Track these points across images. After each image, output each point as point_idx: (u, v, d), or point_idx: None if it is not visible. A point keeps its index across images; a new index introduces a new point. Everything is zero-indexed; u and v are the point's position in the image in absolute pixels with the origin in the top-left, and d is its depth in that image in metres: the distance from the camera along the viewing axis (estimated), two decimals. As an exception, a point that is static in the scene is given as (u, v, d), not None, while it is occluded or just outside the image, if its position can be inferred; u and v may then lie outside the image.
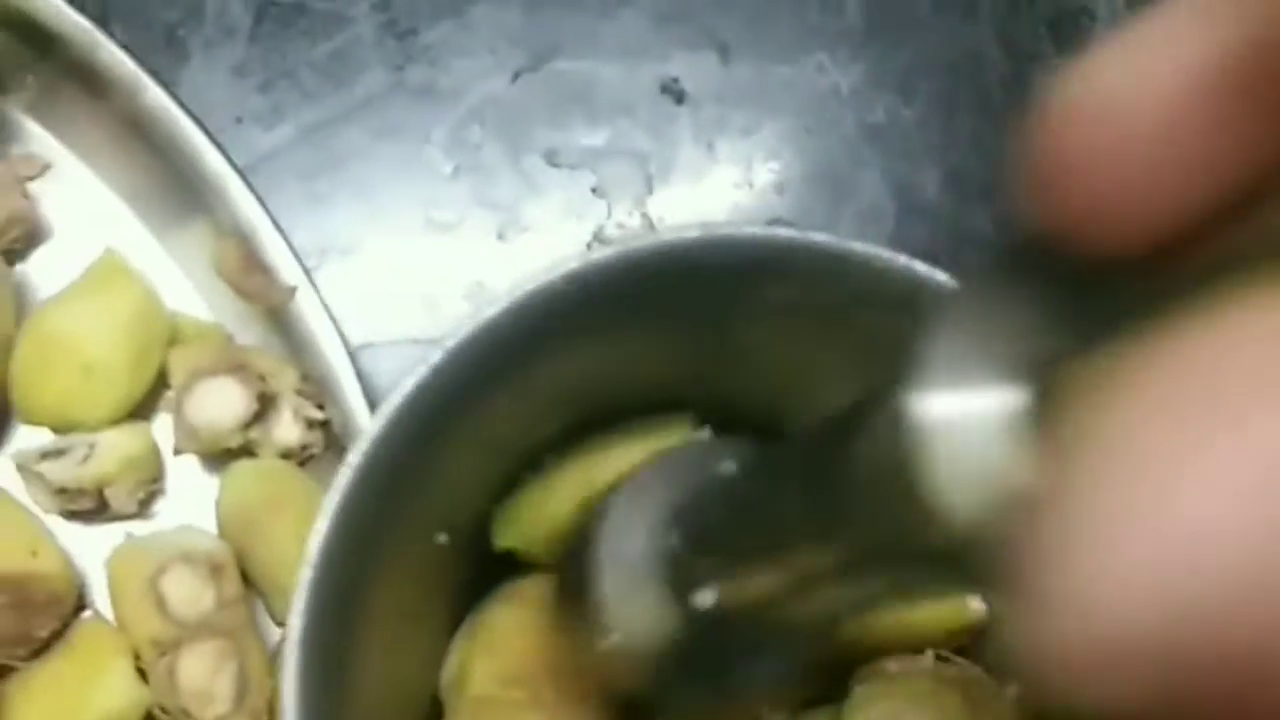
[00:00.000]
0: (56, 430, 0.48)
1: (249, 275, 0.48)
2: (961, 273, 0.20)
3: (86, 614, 0.48)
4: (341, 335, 0.47)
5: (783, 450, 0.29)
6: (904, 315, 0.34)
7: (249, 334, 0.49)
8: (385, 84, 0.52)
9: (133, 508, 0.48)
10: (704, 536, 0.31)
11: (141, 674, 0.45)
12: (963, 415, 0.18)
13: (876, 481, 0.20)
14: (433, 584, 0.40)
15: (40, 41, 0.49)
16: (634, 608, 0.31)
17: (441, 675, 0.40)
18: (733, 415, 0.39)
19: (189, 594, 0.45)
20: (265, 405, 0.47)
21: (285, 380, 0.48)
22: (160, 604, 0.45)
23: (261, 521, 0.46)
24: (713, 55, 0.52)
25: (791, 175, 0.51)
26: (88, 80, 0.49)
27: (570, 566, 0.34)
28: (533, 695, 0.37)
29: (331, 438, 0.48)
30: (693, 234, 0.34)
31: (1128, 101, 0.14)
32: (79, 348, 0.47)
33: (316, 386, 0.48)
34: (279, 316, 0.48)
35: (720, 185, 0.51)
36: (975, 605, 0.39)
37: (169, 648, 0.45)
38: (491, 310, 0.34)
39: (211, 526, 0.48)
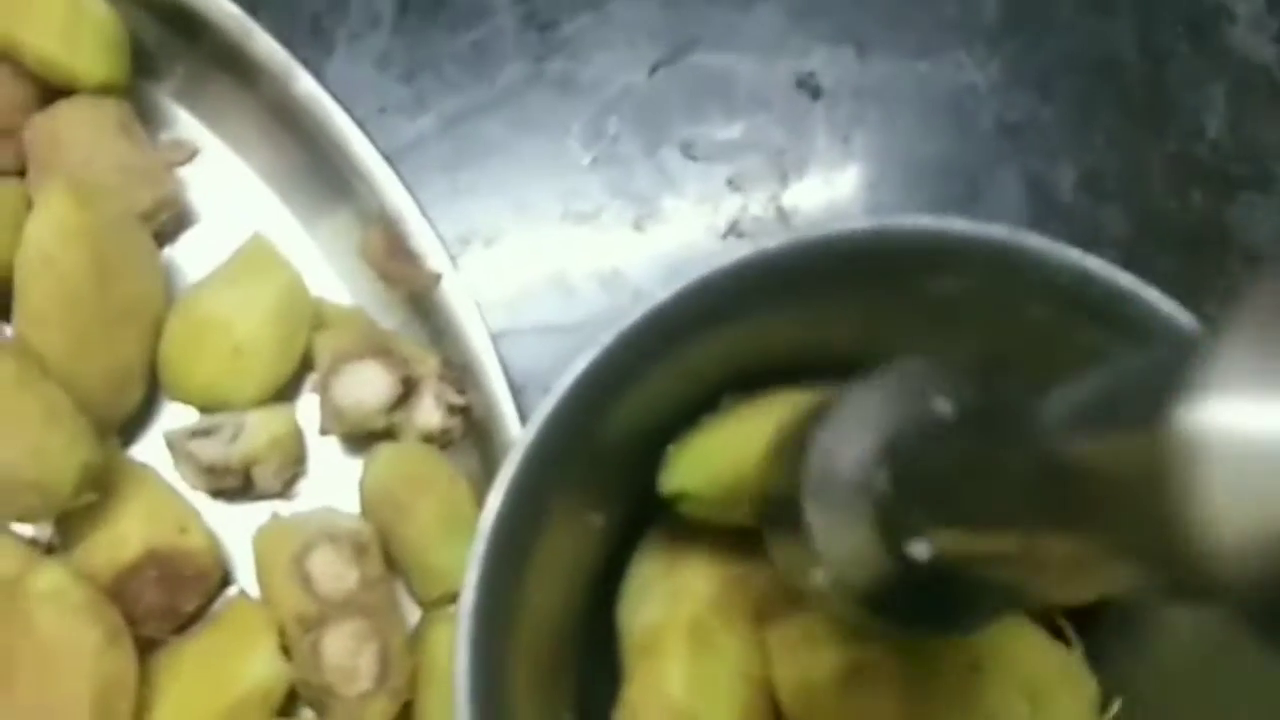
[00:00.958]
0: (204, 409, 0.49)
1: (395, 261, 0.48)
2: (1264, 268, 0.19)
3: (231, 590, 0.49)
4: (485, 323, 0.48)
5: (1009, 408, 0.26)
6: (1078, 312, 0.34)
7: (390, 319, 0.50)
8: (525, 75, 0.53)
9: (277, 487, 0.49)
10: (914, 484, 0.28)
11: (286, 651, 0.46)
12: (1255, 432, 0.15)
13: (1128, 487, 0.17)
14: (585, 554, 0.40)
15: (191, 29, 0.51)
16: (842, 545, 0.29)
17: (625, 620, 0.41)
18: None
19: (334, 573, 0.46)
20: (408, 389, 0.48)
21: (427, 365, 0.48)
22: (306, 582, 0.46)
23: (404, 503, 0.47)
24: (850, 50, 0.52)
25: (927, 171, 0.52)
26: (237, 68, 0.51)
27: (777, 494, 0.32)
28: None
29: (471, 423, 0.49)
30: (865, 225, 0.35)
31: None
32: (230, 329, 0.48)
33: (458, 372, 0.48)
34: (421, 303, 0.49)
35: (855, 179, 0.52)
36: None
37: (313, 625, 0.46)
38: (662, 295, 0.35)
39: (351, 508, 0.49)
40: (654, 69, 0.53)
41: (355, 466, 0.49)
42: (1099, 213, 0.51)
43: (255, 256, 0.49)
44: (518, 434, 0.36)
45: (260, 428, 0.48)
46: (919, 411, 0.29)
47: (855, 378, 0.30)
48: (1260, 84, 0.52)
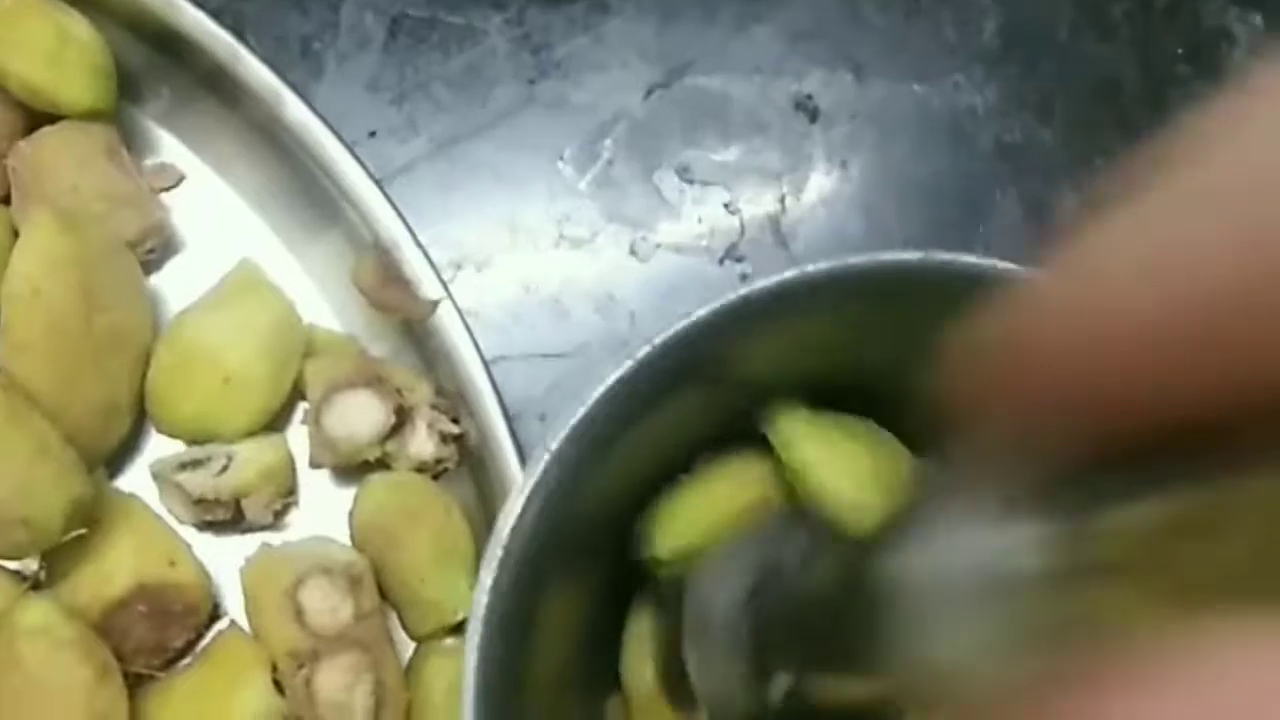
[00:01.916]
0: (193, 441, 0.48)
1: (388, 288, 0.48)
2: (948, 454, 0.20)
3: (220, 624, 0.48)
4: (479, 349, 0.47)
5: (832, 551, 0.28)
6: None
7: (380, 347, 0.49)
8: (518, 98, 0.52)
9: (268, 519, 0.48)
10: (766, 625, 0.30)
11: (278, 685, 0.45)
12: (945, 580, 0.17)
13: (877, 618, 0.20)
14: (591, 585, 0.40)
15: (177, 51, 0.50)
16: (716, 682, 0.31)
17: (625, 677, 0.41)
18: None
19: (327, 606, 0.45)
20: (401, 419, 0.47)
21: (420, 394, 0.48)
22: (298, 615, 0.45)
23: (397, 535, 0.47)
24: (847, 73, 0.52)
25: (926, 194, 0.51)
26: (224, 90, 0.50)
27: (666, 631, 0.34)
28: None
29: (465, 451, 0.48)
30: (903, 257, 0.34)
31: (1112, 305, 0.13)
32: (219, 358, 0.47)
33: (451, 400, 0.48)
34: (413, 330, 0.49)
35: (853, 202, 0.51)
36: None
37: (306, 659, 0.45)
38: (686, 319, 0.34)
39: (341, 538, 0.48)
40: (649, 91, 0.52)
41: (346, 497, 0.48)
42: (1099, 236, 0.50)
43: (245, 283, 0.48)
44: (506, 505, 0.35)
45: (250, 459, 0.47)
46: (777, 558, 0.30)
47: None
48: (1259, 105, 0.52)
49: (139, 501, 0.47)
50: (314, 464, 0.48)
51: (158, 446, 0.49)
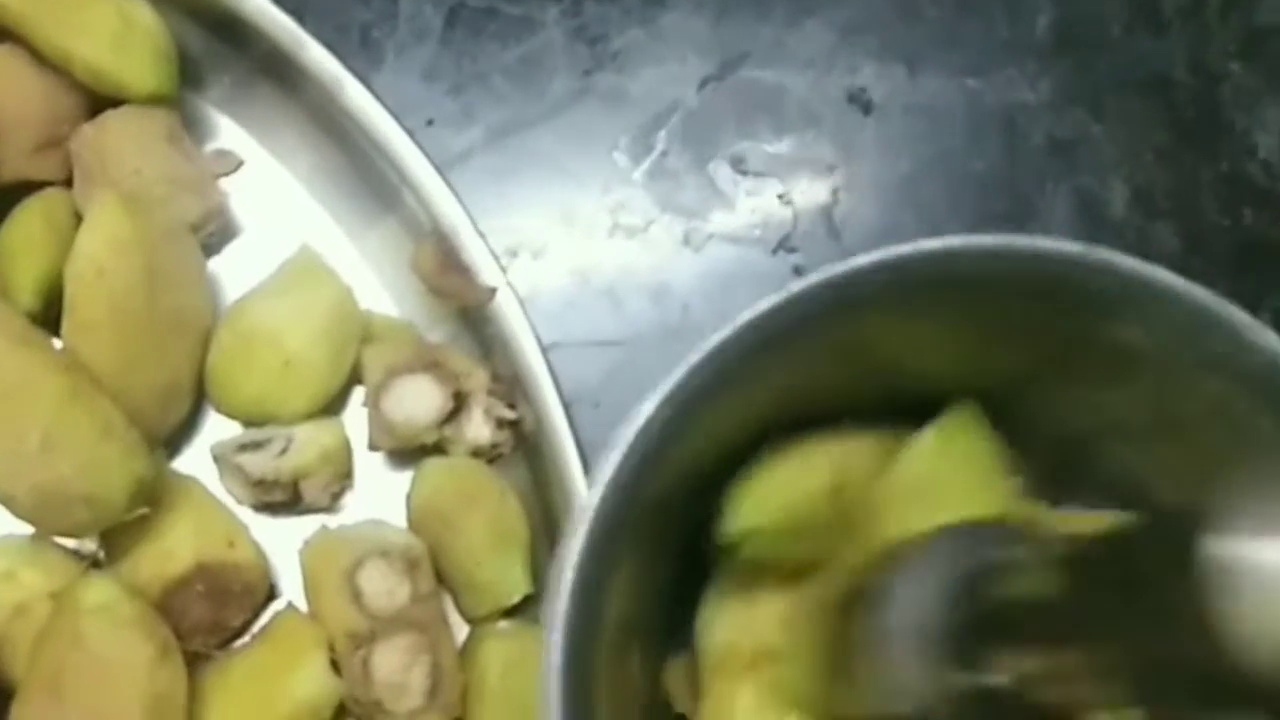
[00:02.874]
0: (250, 423, 0.49)
1: (447, 275, 0.48)
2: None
3: (277, 605, 0.48)
4: (536, 335, 0.48)
5: (1085, 550, 0.29)
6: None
7: (437, 333, 0.50)
8: (574, 89, 0.52)
9: (325, 501, 0.49)
10: (992, 620, 0.32)
11: (335, 666, 0.45)
12: (1263, 562, 0.19)
13: (1178, 610, 0.21)
14: (663, 552, 0.40)
15: (240, 38, 0.50)
16: (921, 682, 0.32)
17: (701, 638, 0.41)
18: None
19: (385, 588, 0.46)
20: (459, 403, 0.48)
21: (477, 379, 0.48)
22: (356, 597, 0.45)
23: (453, 519, 0.47)
24: (900, 67, 0.52)
25: (978, 188, 0.51)
26: (284, 77, 0.50)
27: (852, 627, 0.35)
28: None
29: (520, 437, 0.48)
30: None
31: None
32: (280, 341, 0.47)
33: (507, 386, 0.48)
34: (470, 316, 0.49)
35: (906, 195, 0.52)
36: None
37: (364, 641, 0.45)
38: (745, 315, 0.34)
39: (397, 522, 0.48)
40: (703, 83, 0.52)
41: (400, 480, 0.49)
42: (1150, 230, 0.51)
43: (304, 268, 0.49)
44: (584, 491, 0.35)
45: (310, 441, 0.48)
46: (988, 558, 0.32)
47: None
48: (1311, 104, 0.52)
49: (198, 483, 0.48)
50: (372, 447, 0.48)
51: (214, 430, 0.50)
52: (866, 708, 0.35)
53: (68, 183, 0.49)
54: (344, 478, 0.49)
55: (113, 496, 0.43)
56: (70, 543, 0.47)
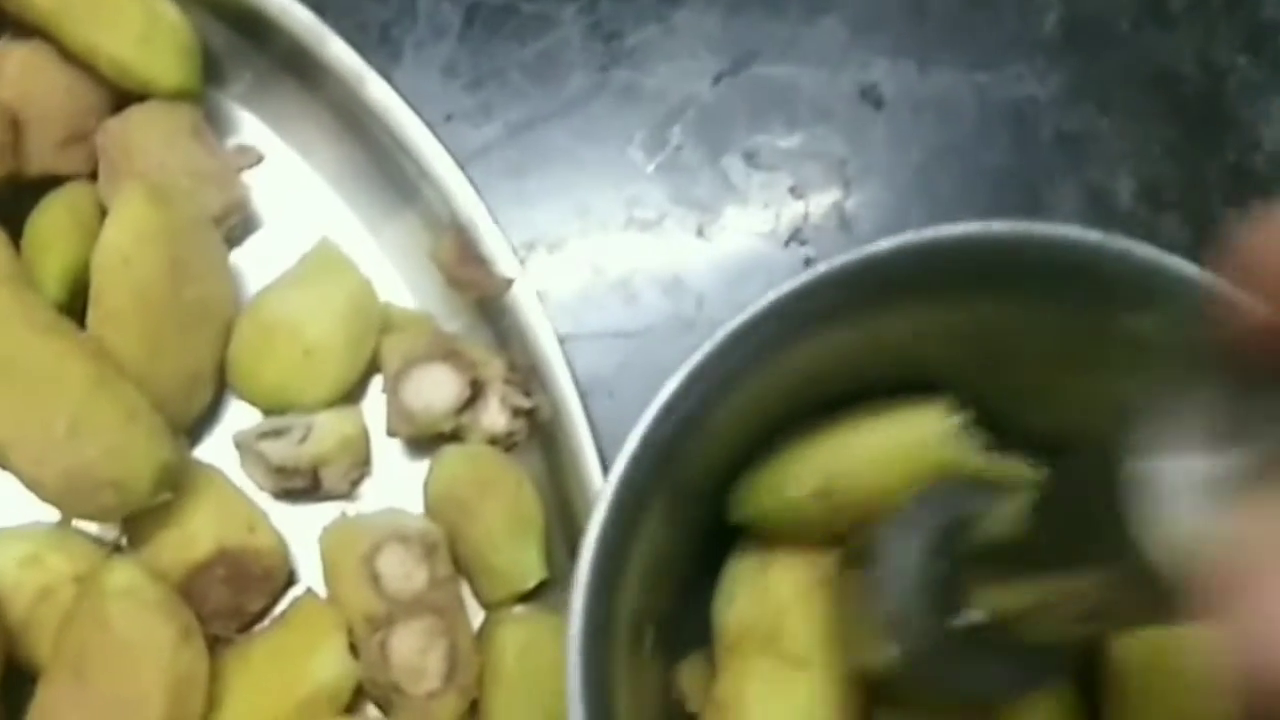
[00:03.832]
0: (270, 411, 0.49)
1: (466, 266, 0.49)
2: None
3: (297, 590, 0.49)
4: (552, 326, 0.48)
5: (1036, 495, 0.31)
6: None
7: (453, 324, 0.51)
8: (590, 85, 0.53)
9: (344, 488, 0.49)
10: (969, 563, 0.34)
11: (353, 649, 0.46)
12: (1177, 481, 0.22)
13: (1107, 528, 0.23)
14: (679, 545, 0.41)
15: (262, 34, 0.51)
16: (911, 623, 0.35)
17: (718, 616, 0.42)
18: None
19: (403, 572, 0.46)
20: (475, 392, 0.49)
21: (493, 368, 0.49)
22: (375, 581, 0.46)
23: (470, 505, 0.48)
24: (911, 63, 0.53)
25: (987, 181, 0.52)
26: (306, 72, 0.51)
27: (850, 583, 0.38)
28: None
29: (536, 426, 0.49)
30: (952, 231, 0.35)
31: None
32: (300, 331, 0.48)
33: (523, 375, 0.49)
34: (487, 307, 0.50)
35: (916, 189, 0.52)
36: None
37: (382, 624, 0.46)
38: (765, 299, 0.35)
39: (414, 509, 0.49)
40: (717, 79, 0.53)
41: (418, 468, 0.50)
42: (1158, 222, 0.51)
43: (324, 260, 0.50)
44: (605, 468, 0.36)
45: (330, 429, 0.49)
46: (966, 511, 0.35)
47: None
48: (1316, 98, 0.53)
49: (219, 470, 0.49)
50: (390, 433, 0.49)
51: (236, 418, 0.50)
52: (871, 657, 0.37)
53: (93, 176, 0.50)
54: (363, 465, 0.50)
55: (138, 481, 0.44)
56: (94, 529, 0.48)
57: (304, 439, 0.48)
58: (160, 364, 0.47)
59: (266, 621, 0.49)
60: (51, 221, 0.49)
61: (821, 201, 0.52)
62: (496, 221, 0.49)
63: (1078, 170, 0.52)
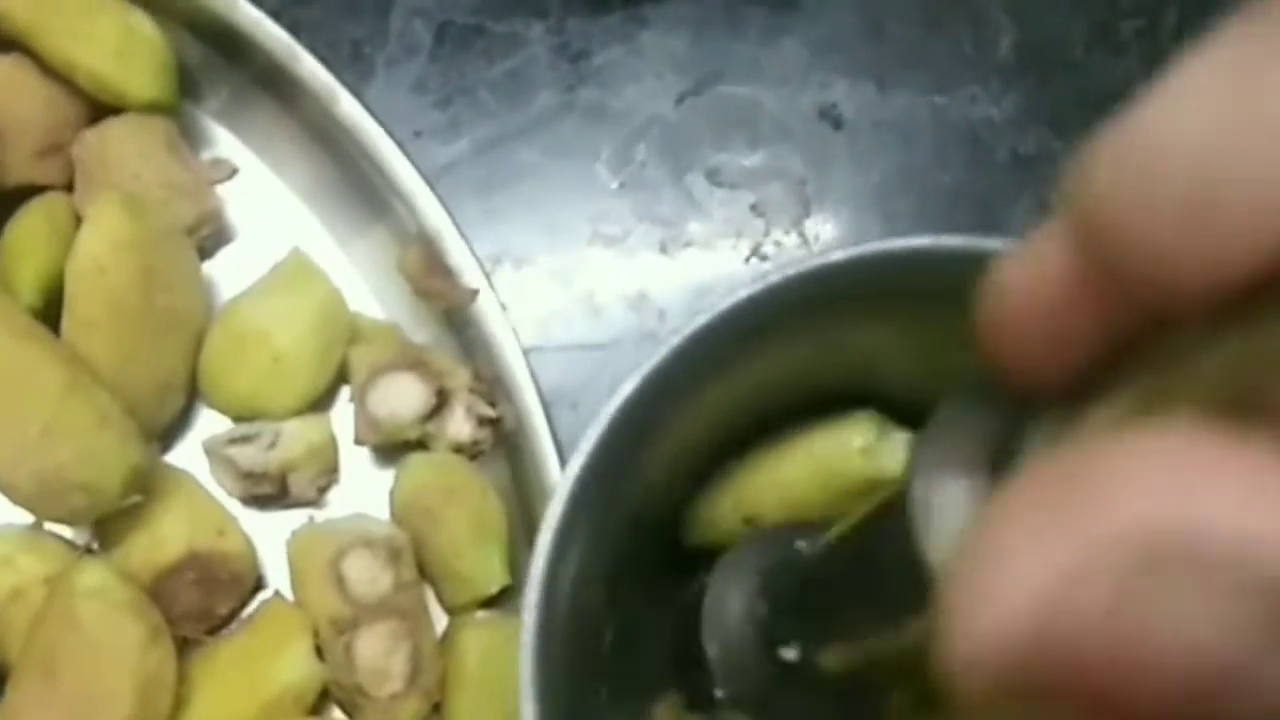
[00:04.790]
0: (240, 418, 0.50)
1: (432, 276, 0.50)
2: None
3: (265, 593, 0.50)
4: (517, 338, 0.50)
5: (835, 540, 0.32)
6: None
7: (421, 335, 0.52)
8: (557, 104, 0.55)
9: (312, 494, 0.50)
10: (779, 604, 0.35)
11: (319, 652, 0.47)
12: (945, 497, 0.23)
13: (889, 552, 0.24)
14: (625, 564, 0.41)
15: (237, 51, 0.52)
16: (735, 664, 0.36)
17: None
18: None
19: (369, 576, 0.47)
20: (441, 401, 0.50)
21: (459, 378, 0.50)
22: (340, 585, 0.47)
23: (435, 512, 0.49)
24: (870, 84, 0.54)
25: (944, 200, 0.54)
26: (280, 89, 0.52)
27: (683, 627, 0.38)
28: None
29: (500, 435, 0.50)
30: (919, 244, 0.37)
31: (1027, 291, 0.19)
32: (270, 339, 0.49)
33: (488, 385, 0.50)
34: (454, 318, 0.51)
35: (874, 207, 0.54)
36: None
37: (347, 627, 0.47)
38: (726, 302, 0.36)
39: (380, 516, 0.50)
40: (681, 99, 0.55)
41: (385, 476, 0.51)
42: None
43: (295, 271, 0.51)
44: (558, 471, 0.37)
45: (297, 436, 0.50)
46: (786, 554, 0.35)
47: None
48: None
49: (190, 475, 0.50)
50: (358, 441, 0.50)
51: (206, 425, 0.51)
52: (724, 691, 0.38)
53: (69, 187, 0.51)
54: (330, 472, 0.51)
55: (109, 484, 0.45)
56: (66, 532, 0.49)
57: (272, 445, 0.49)
58: (133, 370, 0.48)
59: (235, 624, 0.50)
60: (28, 230, 0.50)
61: (782, 219, 0.54)
62: (464, 235, 0.50)
63: (1032, 190, 0.53)
